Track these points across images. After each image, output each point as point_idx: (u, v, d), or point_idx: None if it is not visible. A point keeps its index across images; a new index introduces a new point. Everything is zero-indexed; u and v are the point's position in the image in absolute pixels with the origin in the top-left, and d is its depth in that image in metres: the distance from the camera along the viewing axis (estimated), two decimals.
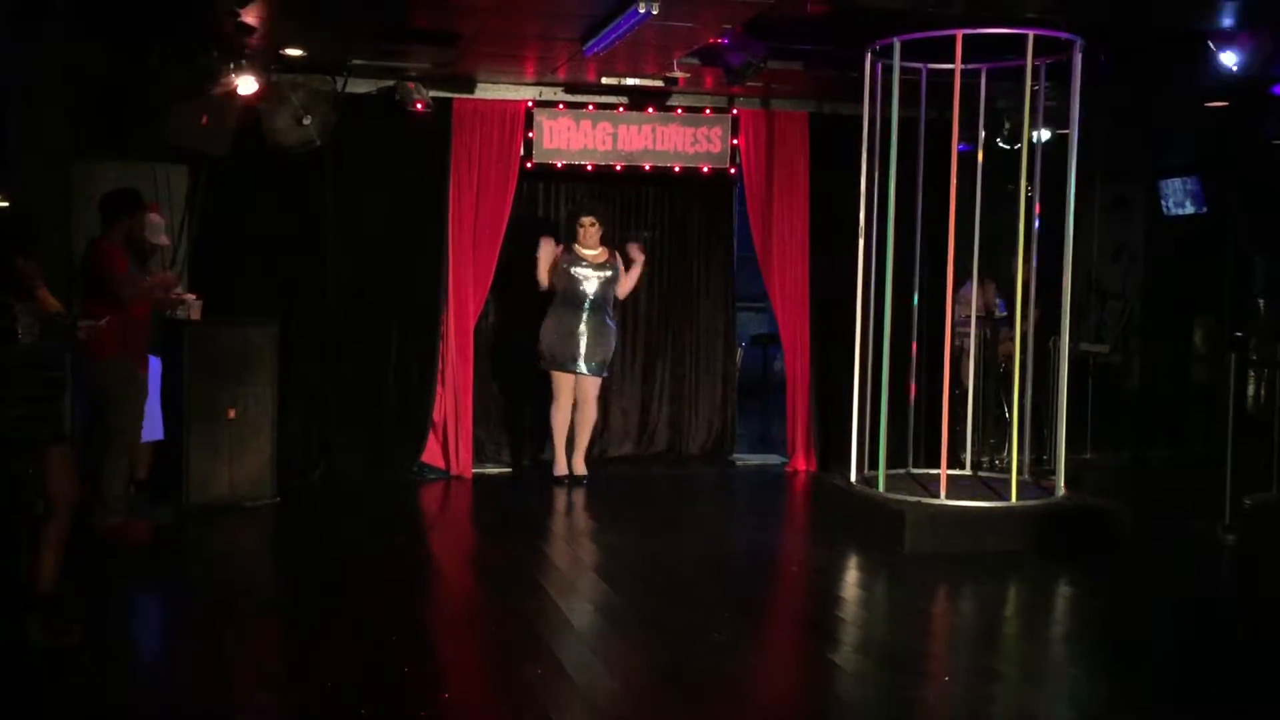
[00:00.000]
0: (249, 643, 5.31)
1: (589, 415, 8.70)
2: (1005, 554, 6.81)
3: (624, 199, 9.58)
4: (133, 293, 6.82)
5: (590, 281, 8.53)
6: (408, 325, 8.86)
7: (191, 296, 7.65)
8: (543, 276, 8.61)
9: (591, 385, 8.63)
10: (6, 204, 6.69)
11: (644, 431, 9.62)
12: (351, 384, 8.76)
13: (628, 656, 5.14)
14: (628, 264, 8.71)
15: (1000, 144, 8.57)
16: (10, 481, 5.12)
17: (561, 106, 9.05)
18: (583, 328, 8.51)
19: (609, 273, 8.59)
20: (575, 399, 8.62)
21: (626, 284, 8.77)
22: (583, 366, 8.54)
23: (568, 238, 8.66)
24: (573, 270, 8.53)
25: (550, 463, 9.33)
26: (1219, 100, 8.80)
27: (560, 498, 8.80)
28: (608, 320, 8.63)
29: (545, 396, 9.44)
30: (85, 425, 6.96)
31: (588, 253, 8.59)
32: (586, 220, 8.58)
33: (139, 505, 7.09)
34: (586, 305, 8.52)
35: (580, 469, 8.72)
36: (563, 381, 8.59)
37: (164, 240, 7.52)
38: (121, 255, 6.87)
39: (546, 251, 8.59)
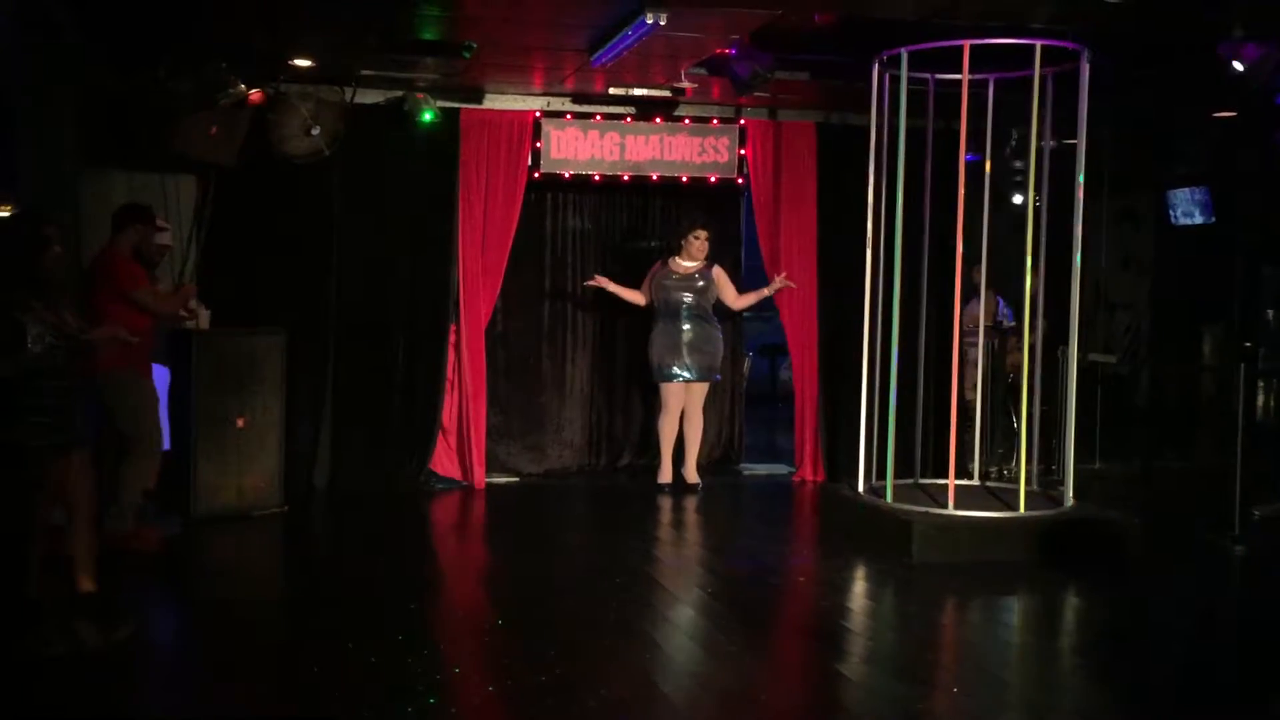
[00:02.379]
0: (256, 652, 5.31)
1: (696, 423, 8.91)
2: (1013, 564, 6.79)
3: (631, 209, 9.59)
4: (165, 307, 6.90)
5: (685, 293, 8.78)
6: (416, 334, 8.88)
7: (200, 307, 7.67)
8: (632, 296, 8.96)
9: (699, 392, 8.87)
10: (11, 214, 6.72)
11: (651, 440, 9.60)
12: (360, 393, 8.77)
13: (634, 666, 5.13)
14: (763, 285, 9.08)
15: (1008, 154, 8.56)
16: (23, 489, 5.20)
17: (569, 117, 9.07)
18: (686, 337, 8.76)
19: (701, 282, 8.79)
20: (684, 408, 8.85)
21: (739, 299, 9.00)
22: (689, 374, 8.78)
23: (668, 252, 8.92)
24: (667, 283, 8.79)
25: (557, 470, 9.39)
26: (1227, 110, 8.79)
27: (568, 508, 8.81)
28: (710, 327, 8.84)
29: (556, 405, 9.49)
30: (95, 437, 7.00)
31: (686, 264, 8.80)
32: (703, 234, 8.77)
33: (147, 514, 7.10)
34: (685, 315, 8.76)
35: (692, 477, 8.91)
36: (671, 391, 8.81)
37: (168, 241, 7.55)
38: (137, 267, 6.90)
39: (636, 294, 8.96)
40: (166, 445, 7.37)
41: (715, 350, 8.88)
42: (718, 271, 8.90)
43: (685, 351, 8.76)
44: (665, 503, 8.60)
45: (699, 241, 8.76)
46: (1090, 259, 8.32)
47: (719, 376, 9.10)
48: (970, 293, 8.39)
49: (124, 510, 6.81)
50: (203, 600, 6.24)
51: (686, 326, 8.76)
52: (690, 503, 8.65)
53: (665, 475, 8.90)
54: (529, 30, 7.16)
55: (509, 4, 6.61)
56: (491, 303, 9.01)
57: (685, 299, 8.76)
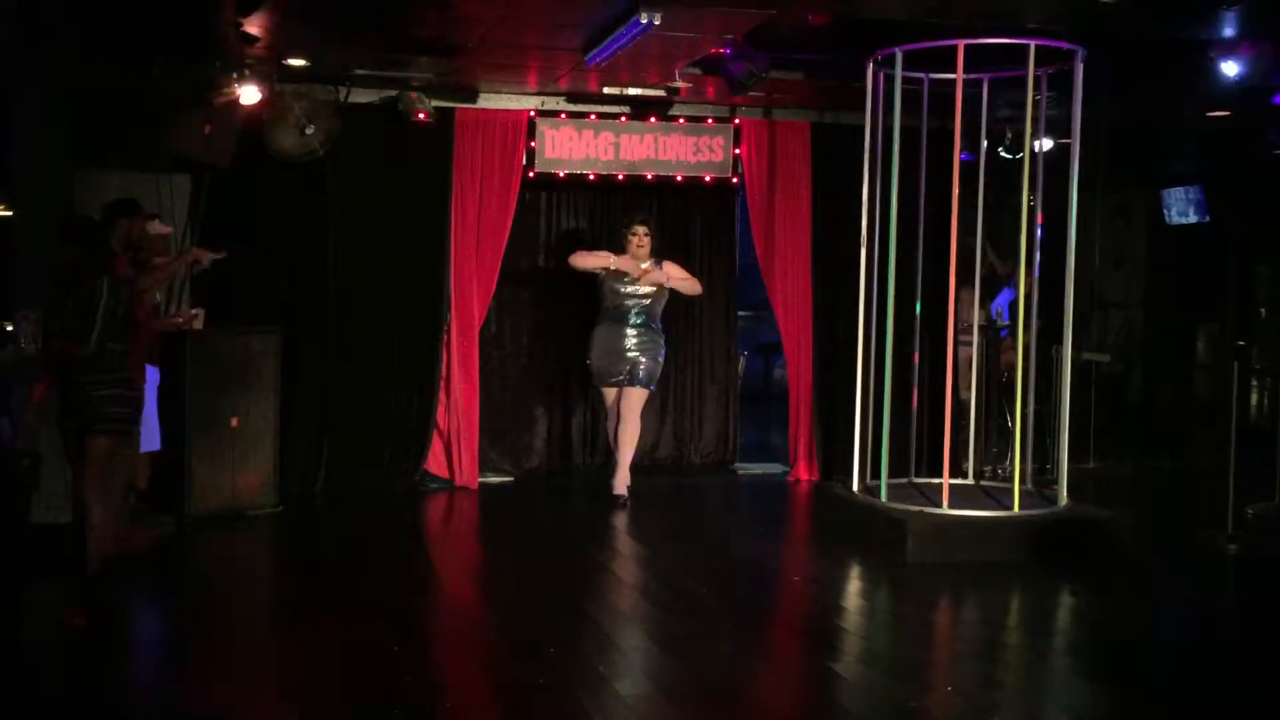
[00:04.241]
0: (250, 652, 5.31)
1: (633, 429, 8.37)
2: (1008, 563, 6.80)
3: (626, 209, 9.57)
4: (145, 283, 6.86)
5: (636, 297, 8.32)
6: (410, 334, 8.86)
7: (191, 315, 7.67)
8: (586, 261, 8.37)
9: (636, 397, 8.35)
10: (10, 213, 6.74)
11: (646, 440, 9.59)
12: (354, 393, 8.76)
13: (630, 667, 5.13)
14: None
15: (1002, 153, 8.57)
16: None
17: (563, 116, 9.07)
18: (630, 342, 8.30)
19: (653, 287, 8.36)
20: (620, 411, 8.37)
21: (685, 287, 8.51)
22: (628, 379, 8.30)
23: (617, 251, 8.41)
24: (618, 286, 8.32)
25: (551, 469, 9.39)
26: (1221, 109, 8.80)
27: (561, 507, 8.80)
28: (655, 334, 8.39)
29: (549, 405, 9.48)
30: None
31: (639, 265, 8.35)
32: (640, 230, 8.35)
33: (140, 514, 7.09)
34: (632, 319, 8.31)
35: (621, 488, 8.32)
36: (611, 396, 8.42)
37: (162, 229, 7.55)
38: (121, 259, 6.88)
39: (602, 260, 8.34)
40: (158, 445, 7.36)
41: (658, 358, 8.39)
42: (668, 268, 8.44)
43: (628, 357, 8.27)
44: (658, 502, 8.59)
45: (636, 238, 8.32)
46: (1084, 258, 8.31)
47: (654, 387, 8.55)
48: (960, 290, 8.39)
49: (104, 524, 6.76)
50: (196, 600, 6.23)
51: (632, 330, 8.29)
52: (684, 502, 8.65)
53: (621, 486, 8.35)
54: (523, 29, 7.16)
55: (504, 3, 6.60)
56: (486, 302, 9.00)
57: (633, 303, 8.32)
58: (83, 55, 7.16)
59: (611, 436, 8.51)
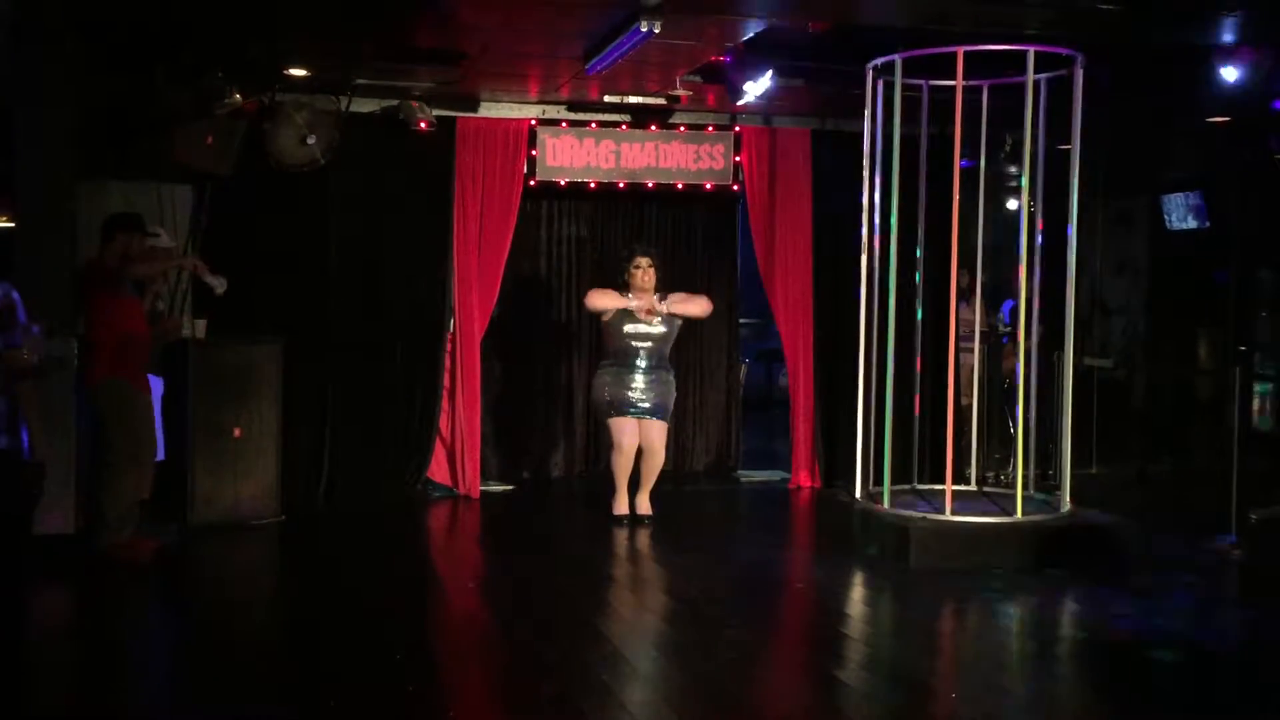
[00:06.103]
0: (253, 662, 5.31)
1: (658, 460, 8.02)
2: (1011, 570, 6.80)
3: (627, 217, 9.59)
4: (138, 271, 6.85)
5: (645, 339, 7.88)
6: (412, 343, 8.88)
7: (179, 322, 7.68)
8: (604, 301, 7.91)
9: (659, 432, 7.96)
10: (12, 224, 6.75)
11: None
12: (356, 402, 8.77)
13: (634, 675, 5.13)
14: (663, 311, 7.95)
15: (1002, 159, 8.58)
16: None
17: (564, 125, 9.08)
18: (640, 381, 7.87)
19: (664, 328, 7.92)
20: (640, 446, 7.92)
21: (693, 309, 8.04)
22: (646, 413, 7.89)
23: (619, 287, 7.95)
24: (625, 327, 7.87)
25: (553, 478, 9.37)
26: (1221, 115, 8.81)
27: (564, 515, 8.81)
28: (666, 373, 8.00)
29: (551, 413, 9.48)
30: (90, 448, 7.00)
31: (639, 301, 7.85)
32: (644, 261, 7.86)
33: (143, 524, 7.09)
34: (642, 362, 7.88)
35: (644, 508, 8.04)
36: (624, 427, 7.87)
37: (167, 243, 7.56)
38: (114, 268, 6.90)
39: (618, 300, 7.88)
40: (161, 455, 7.37)
41: (671, 392, 8.02)
42: (672, 300, 7.95)
43: (640, 391, 7.87)
44: (661, 510, 8.57)
45: (640, 271, 7.85)
46: (1085, 264, 8.32)
47: (669, 420, 8.17)
48: (960, 296, 8.41)
49: (120, 520, 6.79)
50: (199, 610, 6.23)
51: (642, 366, 7.88)
52: (686, 509, 8.63)
53: (621, 507, 8.03)
54: (524, 38, 7.18)
55: (504, 12, 6.62)
56: (487, 311, 9.00)
57: (640, 345, 7.88)
58: (85, 65, 7.17)
59: (618, 470, 7.97)
